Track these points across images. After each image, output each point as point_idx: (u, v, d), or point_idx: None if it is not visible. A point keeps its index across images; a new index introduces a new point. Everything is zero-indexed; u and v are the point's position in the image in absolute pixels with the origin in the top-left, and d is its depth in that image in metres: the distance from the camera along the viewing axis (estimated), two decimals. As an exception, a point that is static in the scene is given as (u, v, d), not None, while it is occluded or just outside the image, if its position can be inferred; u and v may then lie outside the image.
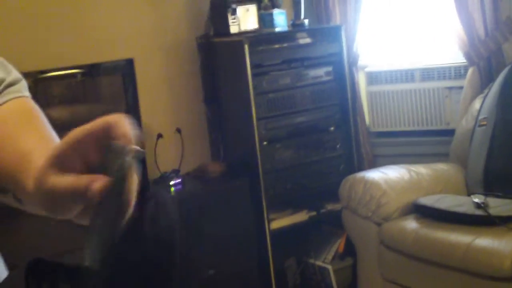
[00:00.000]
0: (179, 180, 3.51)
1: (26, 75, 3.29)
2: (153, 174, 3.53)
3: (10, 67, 1.12)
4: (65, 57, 3.43)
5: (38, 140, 0.99)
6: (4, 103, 1.05)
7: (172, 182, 3.47)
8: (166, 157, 3.66)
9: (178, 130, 3.72)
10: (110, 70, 3.38)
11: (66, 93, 3.39)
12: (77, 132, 0.80)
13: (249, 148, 3.55)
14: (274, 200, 3.62)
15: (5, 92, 1.06)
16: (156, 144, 3.61)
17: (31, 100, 1.10)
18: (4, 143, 0.96)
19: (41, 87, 3.22)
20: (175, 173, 3.57)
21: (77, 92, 3.45)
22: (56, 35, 3.46)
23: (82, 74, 3.32)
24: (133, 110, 3.36)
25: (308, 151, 3.71)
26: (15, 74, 1.12)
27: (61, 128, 3.50)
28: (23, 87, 1.11)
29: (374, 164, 3.87)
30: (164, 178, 3.50)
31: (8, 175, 0.92)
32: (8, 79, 1.09)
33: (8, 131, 0.98)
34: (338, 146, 3.79)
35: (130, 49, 3.59)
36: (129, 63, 3.34)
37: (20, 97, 1.08)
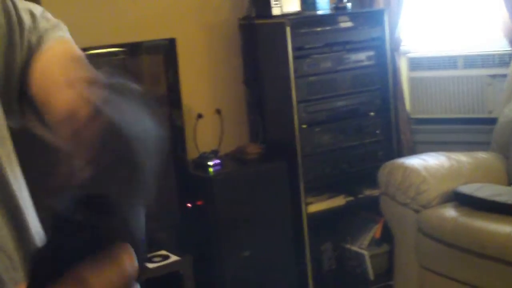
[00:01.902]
0: (218, 161, 3.52)
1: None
2: (192, 154, 3.55)
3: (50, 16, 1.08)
4: (106, 35, 3.44)
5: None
6: (47, 47, 1.01)
7: (210, 163, 3.48)
8: (206, 138, 3.67)
9: (218, 111, 3.73)
10: (151, 49, 3.38)
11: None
12: None
13: (288, 131, 3.54)
14: (312, 183, 3.61)
15: (47, 36, 1.03)
16: (196, 124, 3.62)
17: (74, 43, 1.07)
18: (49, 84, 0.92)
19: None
20: (214, 153, 3.57)
21: (118, 70, 3.46)
22: (98, 13, 3.47)
23: (124, 53, 3.34)
24: (173, 90, 3.37)
25: (347, 136, 3.69)
26: (54, 20, 1.08)
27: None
28: (64, 29, 1.08)
29: (413, 151, 3.83)
30: (203, 158, 3.51)
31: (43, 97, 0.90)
32: (49, 24, 1.05)
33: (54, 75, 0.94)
34: (377, 131, 3.76)
35: (172, 29, 3.59)
36: (171, 42, 3.34)
37: (63, 38, 1.05)
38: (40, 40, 1.00)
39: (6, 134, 0.91)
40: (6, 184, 0.87)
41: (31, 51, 0.97)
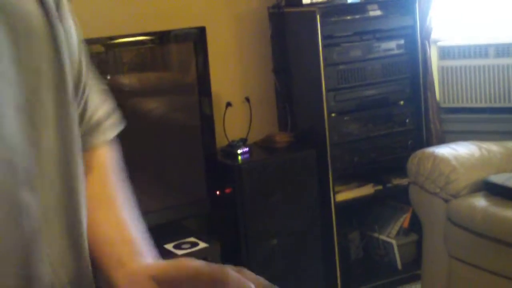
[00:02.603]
0: (247, 149, 3.53)
1: (96, 40, 3.34)
2: (221, 142, 3.56)
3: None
4: (136, 23, 3.46)
5: (116, 227, 1.01)
6: (91, 148, 1.05)
7: (239, 151, 3.49)
8: (234, 126, 3.68)
9: (247, 99, 3.74)
10: (181, 37, 3.39)
11: (136, 60, 3.42)
12: (193, 265, 0.80)
13: (317, 119, 3.54)
14: (340, 172, 3.61)
15: (96, 130, 1.06)
16: (225, 112, 3.63)
17: (115, 147, 1.11)
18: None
19: (111, 53, 3.26)
20: (243, 142, 3.58)
21: (147, 59, 3.48)
22: (127, 0, 3.49)
23: (153, 41, 3.35)
24: (203, 78, 3.38)
25: (376, 125, 3.68)
26: (110, 104, 1.11)
27: (129, 94, 3.55)
28: (114, 124, 1.11)
29: (443, 140, 3.81)
30: (232, 147, 3.52)
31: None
32: (101, 112, 1.07)
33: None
34: (407, 120, 3.75)
35: (201, 17, 3.60)
36: (201, 31, 3.35)
37: (105, 142, 1.09)
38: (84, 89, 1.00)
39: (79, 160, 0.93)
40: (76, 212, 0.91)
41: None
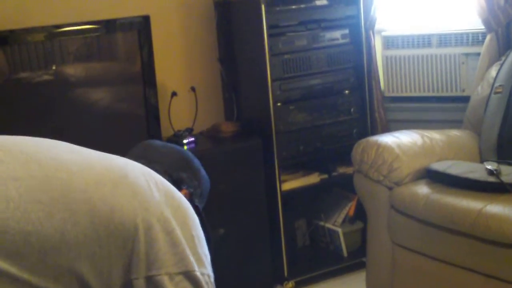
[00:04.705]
0: (192, 138, 3.52)
1: (40, 29, 3.28)
2: (166, 132, 3.55)
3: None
4: (81, 12, 3.42)
5: None
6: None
7: (185, 141, 3.48)
8: (180, 116, 3.67)
9: (193, 89, 3.72)
10: (126, 26, 3.36)
11: (81, 49, 3.38)
12: None
13: (263, 108, 3.54)
14: (286, 161, 3.62)
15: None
16: (170, 102, 3.62)
17: None
18: None
19: (56, 42, 3.22)
20: (189, 131, 3.57)
21: (92, 48, 3.44)
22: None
23: (97, 30, 3.31)
24: (148, 68, 3.35)
25: (322, 114, 3.71)
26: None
27: (74, 84, 3.50)
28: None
29: (387, 128, 3.86)
30: (178, 136, 3.51)
31: None
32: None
33: None
34: (352, 109, 3.78)
35: (146, 6, 3.58)
36: (145, 19, 3.32)
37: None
38: None
39: None
40: None
41: None
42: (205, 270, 1.21)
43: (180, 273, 1.16)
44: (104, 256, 1.11)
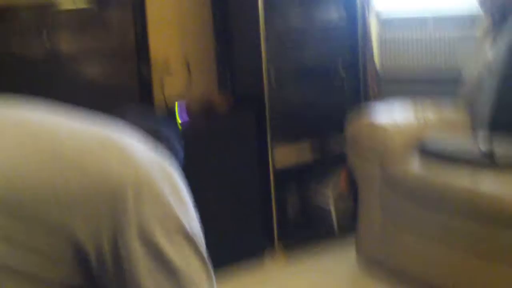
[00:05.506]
0: (185, 112, 3.51)
1: (35, 7, 3.22)
2: (160, 105, 3.54)
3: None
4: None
5: None
6: None
7: (178, 114, 3.47)
8: (174, 89, 3.66)
9: (187, 62, 3.71)
10: (120, 1, 3.34)
11: (75, 24, 3.36)
12: None
13: (257, 83, 3.54)
14: (280, 136, 3.62)
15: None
16: (164, 76, 3.60)
17: None
18: None
19: (50, 16, 3.20)
20: (182, 104, 3.56)
21: (87, 23, 3.41)
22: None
23: (92, 4, 3.29)
24: (142, 41, 3.34)
25: (316, 89, 3.71)
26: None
27: (68, 59, 3.46)
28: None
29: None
30: (171, 110, 3.50)
31: None
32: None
33: None
34: (346, 88, 3.78)
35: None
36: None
37: None
38: None
39: None
40: None
41: None
42: (196, 231, 1.22)
43: (174, 233, 1.17)
44: (95, 216, 1.12)
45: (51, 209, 1.10)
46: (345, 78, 3.77)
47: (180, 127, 3.39)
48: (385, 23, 3.97)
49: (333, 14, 3.70)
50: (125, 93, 3.41)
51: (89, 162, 1.16)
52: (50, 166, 1.13)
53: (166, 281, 1.15)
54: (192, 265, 1.18)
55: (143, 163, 1.20)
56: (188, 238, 1.18)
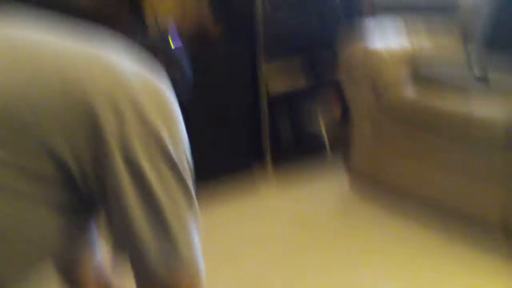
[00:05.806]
0: (178, 39, 3.48)
1: None
2: (153, 33, 3.50)
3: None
4: None
5: None
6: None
7: (171, 41, 3.44)
8: (166, 14, 3.62)
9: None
10: None
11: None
12: None
13: (250, 9, 3.50)
14: (273, 62, 3.60)
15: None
16: (155, 1, 3.56)
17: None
18: None
19: None
20: (174, 32, 3.53)
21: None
22: None
23: None
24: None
25: (309, 14, 3.67)
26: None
27: (62, 13, 3.37)
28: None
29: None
30: (164, 38, 3.47)
31: None
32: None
33: None
34: (339, 12, 3.74)
35: None
36: None
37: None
38: None
39: None
40: None
41: None
42: (183, 155, 1.17)
43: (156, 156, 1.12)
44: (73, 130, 1.08)
45: (29, 122, 1.06)
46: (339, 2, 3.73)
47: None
48: None
49: None
50: (117, 21, 3.37)
51: (68, 73, 1.10)
52: (27, 75, 1.08)
53: (146, 203, 1.11)
54: (173, 193, 1.14)
55: (128, 78, 1.15)
56: (172, 163, 1.14)
